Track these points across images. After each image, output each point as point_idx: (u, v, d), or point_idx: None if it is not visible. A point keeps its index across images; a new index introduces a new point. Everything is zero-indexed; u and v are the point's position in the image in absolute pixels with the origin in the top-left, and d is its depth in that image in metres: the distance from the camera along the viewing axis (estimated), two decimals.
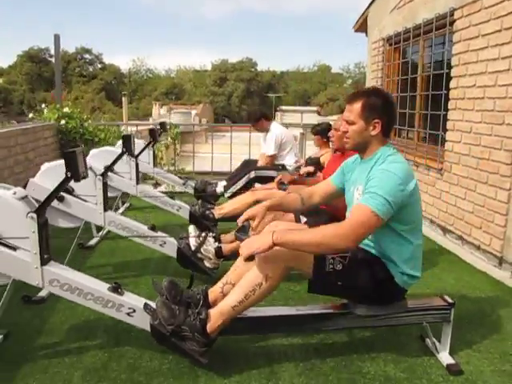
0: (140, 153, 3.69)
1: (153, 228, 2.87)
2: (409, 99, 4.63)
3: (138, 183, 3.77)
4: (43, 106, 5.69)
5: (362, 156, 1.97)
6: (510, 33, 2.93)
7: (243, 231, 2.36)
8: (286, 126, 5.79)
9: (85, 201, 2.82)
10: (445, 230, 3.88)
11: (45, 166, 2.82)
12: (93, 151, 3.73)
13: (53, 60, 36.02)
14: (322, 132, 3.95)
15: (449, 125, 3.76)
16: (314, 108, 34.76)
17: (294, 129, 6.83)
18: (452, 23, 3.67)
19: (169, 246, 2.86)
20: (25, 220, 1.80)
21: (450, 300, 2.05)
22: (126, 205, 4.76)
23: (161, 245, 2.87)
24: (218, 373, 1.90)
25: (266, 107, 43.45)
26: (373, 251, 1.93)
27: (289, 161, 4.61)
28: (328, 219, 2.80)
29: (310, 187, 2.33)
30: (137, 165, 3.70)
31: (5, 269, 1.83)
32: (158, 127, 4.57)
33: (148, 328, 1.88)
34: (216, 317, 1.82)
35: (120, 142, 4.10)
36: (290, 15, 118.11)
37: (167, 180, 4.71)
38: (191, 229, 2.97)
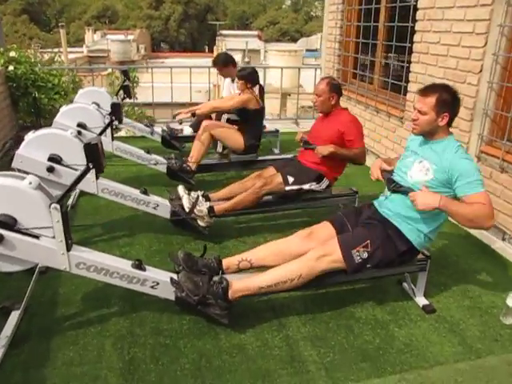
0: (115, 111, 3.62)
1: (145, 192, 2.96)
2: (371, 46, 4.77)
3: (112, 140, 3.75)
4: None
5: (429, 138, 2.24)
6: None
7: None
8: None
9: (75, 170, 2.82)
10: None
11: (28, 137, 2.76)
12: (63, 109, 3.60)
13: None
14: (247, 77, 3.97)
15: (411, 76, 3.99)
16: (255, 32, 33.75)
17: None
18: None
19: (162, 209, 2.99)
20: (45, 209, 1.86)
21: (427, 253, 2.41)
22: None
23: (154, 208, 2.98)
24: (234, 329, 2.16)
25: (205, 32, 41.43)
26: (400, 223, 2.23)
27: None
28: (314, 177, 3.04)
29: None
30: (111, 120, 3.64)
31: (32, 257, 1.91)
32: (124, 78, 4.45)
33: (171, 298, 2.08)
34: (240, 288, 2.06)
35: (80, 93, 4.02)
36: None
37: (136, 130, 4.67)
38: (180, 189, 3.09)
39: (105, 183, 2.88)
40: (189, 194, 3.05)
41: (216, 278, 2.07)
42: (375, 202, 2.42)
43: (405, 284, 2.55)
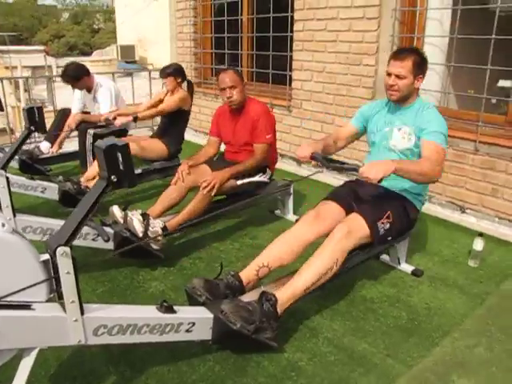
0: None
1: None
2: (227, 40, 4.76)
3: None
4: None
5: (400, 104, 2.25)
6: None
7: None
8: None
9: None
10: (298, 161, 4.38)
11: None
12: None
13: None
14: (176, 73, 3.68)
15: (296, 65, 4.12)
16: (41, 47, 30.16)
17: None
18: None
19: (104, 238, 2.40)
20: (31, 261, 1.27)
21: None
22: None
23: (93, 239, 2.38)
24: (272, 352, 1.86)
25: None
26: (406, 193, 2.26)
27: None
28: (260, 169, 2.92)
29: (333, 133, 2.52)
30: None
31: (25, 340, 1.28)
32: None
33: (207, 338, 1.69)
34: (287, 298, 1.80)
35: None
36: None
37: None
38: (116, 210, 2.55)
39: (25, 219, 2.16)
40: (126, 215, 2.54)
41: (263, 296, 1.75)
42: None
43: (383, 256, 2.62)
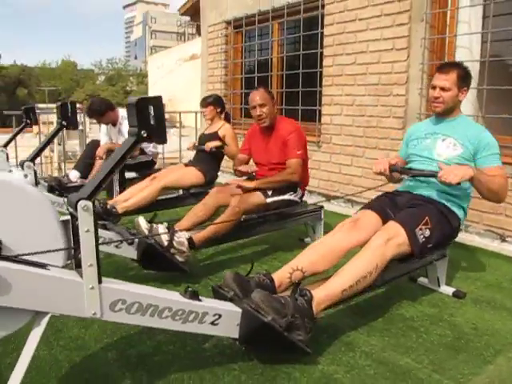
0: None
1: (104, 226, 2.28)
2: (257, 79, 4.89)
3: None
4: None
5: (445, 116, 2.24)
6: (390, 18, 3.45)
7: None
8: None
9: None
10: (328, 198, 4.29)
11: None
12: None
13: None
14: (216, 102, 3.74)
15: (325, 100, 4.16)
16: (77, 105, 31.95)
17: None
18: (322, 7, 4.05)
19: (127, 246, 2.33)
20: (51, 219, 1.20)
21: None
22: None
23: (117, 246, 2.31)
24: (304, 363, 1.70)
25: (15, 105, 37.79)
26: (446, 200, 2.17)
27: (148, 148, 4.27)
28: (290, 187, 2.81)
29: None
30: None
31: (37, 302, 1.18)
32: None
33: (235, 334, 1.54)
34: (323, 298, 1.66)
35: None
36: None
37: None
38: (141, 221, 2.49)
39: None
40: (151, 227, 2.47)
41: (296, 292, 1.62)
42: (403, 189, 2.31)
43: (421, 279, 2.45)
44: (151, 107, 1.21)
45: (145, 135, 1.22)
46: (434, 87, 2.20)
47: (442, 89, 2.16)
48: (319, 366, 1.70)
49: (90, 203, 1.20)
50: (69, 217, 1.27)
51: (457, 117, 2.25)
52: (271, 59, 4.86)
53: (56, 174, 7.25)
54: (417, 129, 2.41)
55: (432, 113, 2.36)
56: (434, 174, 2.04)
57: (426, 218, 2.01)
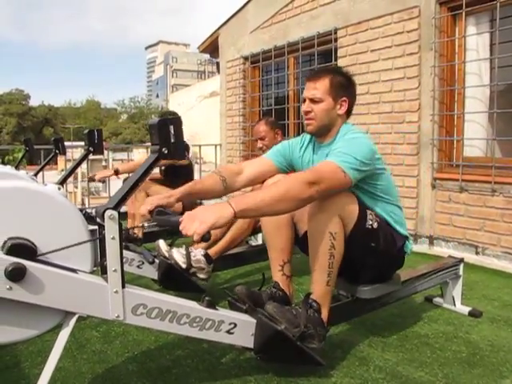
0: None
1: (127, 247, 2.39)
2: (275, 112, 5.06)
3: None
4: None
5: (321, 140, 1.82)
6: (400, 48, 3.60)
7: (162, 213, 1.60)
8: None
9: None
10: None
11: None
12: None
13: None
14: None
15: None
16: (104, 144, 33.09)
17: None
18: (335, 40, 4.23)
19: (148, 267, 2.42)
20: (80, 227, 1.31)
21: (457, 257, 2.39)
22: None
23: (138, 266, 2.41)
24: (318, 376, 1.73)
25: (42, 143, 39.25)
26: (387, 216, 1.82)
27: None
28: None
29: (237, 164, 2.06)
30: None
31: (66, 303, 1.28)
32: None
33: (250, 344, 1.60)
34: (321, 303, 1.68)
35: None
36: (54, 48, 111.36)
37: None
38: (162, 244, 2.59)
39: None
40: (171, 249, 2.57)
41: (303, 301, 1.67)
42: None
43: (436, 299, 2.46)
44: (171, 127, 1.33)
45: (165, 152, 1.34)
46: (304, 100, 1.79)
47: (312, 100, 1.74)
48: (333, 378, 1.73)
49: (115, 213, 1.31)
50: (96, 226, 1.39)
51: (334, 138, 1.76)
52: (287, 92, 5.05)
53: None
54: (297, 149, 1.93)
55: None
56: (177, 224, 1.37)
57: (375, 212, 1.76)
